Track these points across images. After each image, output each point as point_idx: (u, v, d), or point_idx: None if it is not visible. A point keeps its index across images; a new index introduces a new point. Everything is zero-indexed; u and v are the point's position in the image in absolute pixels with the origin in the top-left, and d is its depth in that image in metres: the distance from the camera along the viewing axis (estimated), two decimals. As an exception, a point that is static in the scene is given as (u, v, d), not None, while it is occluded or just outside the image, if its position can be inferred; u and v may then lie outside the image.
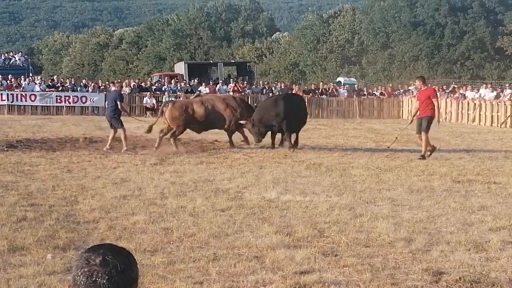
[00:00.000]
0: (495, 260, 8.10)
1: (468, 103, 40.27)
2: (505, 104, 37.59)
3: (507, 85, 43.60)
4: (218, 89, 44.66)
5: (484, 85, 43.28)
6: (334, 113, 43.79)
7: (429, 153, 19.02)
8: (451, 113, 41.21)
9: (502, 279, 7.34)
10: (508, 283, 7.20)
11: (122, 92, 23.30)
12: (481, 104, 39.20)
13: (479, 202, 12.11)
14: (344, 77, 60.05)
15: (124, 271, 2.43)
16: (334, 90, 46.10)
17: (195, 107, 20.74)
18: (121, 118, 20.50)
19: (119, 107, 20.37)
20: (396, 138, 21.52)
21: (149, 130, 21.00)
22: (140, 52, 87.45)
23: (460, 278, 7.27)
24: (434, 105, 19.28)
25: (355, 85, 52.28)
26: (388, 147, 21.06)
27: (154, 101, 42.01)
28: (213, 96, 24.06)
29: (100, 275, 2.40)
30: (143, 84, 45.73)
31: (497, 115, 37.92)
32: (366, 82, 63.26)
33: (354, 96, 45.38)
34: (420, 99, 19.60)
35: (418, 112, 19.60)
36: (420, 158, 18.54)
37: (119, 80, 46.75)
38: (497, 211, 11.23)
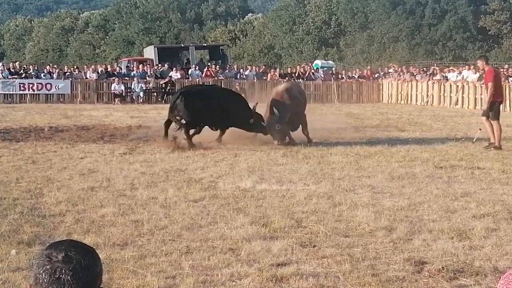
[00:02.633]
0: (479, 248, 8.16)
1: (451, 85, 40.46)
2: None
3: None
4: (190, 74, 44.57)
5: (467, 67, 43.48)
6: (311, 97, 43.80)
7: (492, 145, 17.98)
8: (432, 96, 41.40)
9: (487, 268, 7.38)
10: (493, 272, 7.24)
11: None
12: (463, 86, 39.40)
13: (462, 188, 12.18)
14: (322, 60, 60.07)
15: (88, 267, 2.42)
16: (311, 73, 46.15)
17: None
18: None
19: None
20: (480, 130, 19.38)
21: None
22: (108, 36, 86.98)
23: (443, 267, 7.31)
24: (493, 89, 18.25)
25: (333, 68, 52.35)
26: (473, 141, 19.15)
27: (122, 87, 41.84)
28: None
29: (63, 271, 2.38)
30: (111, 69, 45.49)
31: (481, 98, 38.08)
32: (344, 65, 63.28)
33: (332, 80, 45.47)
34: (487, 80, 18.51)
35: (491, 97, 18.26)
36: (493, 148, 17.75)
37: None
38: (481, 197, 11.31)
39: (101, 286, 2.49)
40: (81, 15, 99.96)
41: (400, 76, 45.48)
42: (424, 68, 46.98)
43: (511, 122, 27.38)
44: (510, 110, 35.99)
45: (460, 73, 42.12)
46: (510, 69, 40.51)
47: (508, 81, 37.75)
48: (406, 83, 43.83)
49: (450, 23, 64.65)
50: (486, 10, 64.58)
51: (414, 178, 13.29)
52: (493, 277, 7.04)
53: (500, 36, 64.86)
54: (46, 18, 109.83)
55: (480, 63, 19.44)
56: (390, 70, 48.20)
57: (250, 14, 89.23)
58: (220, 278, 7.00)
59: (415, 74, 45.01)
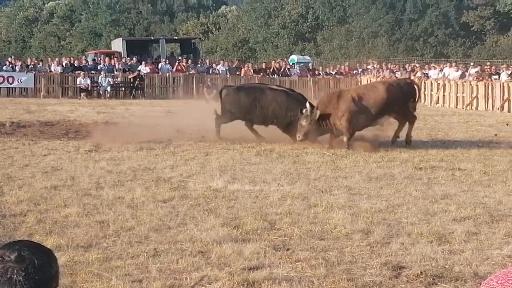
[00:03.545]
0: (459, 252, 8.21)
1: (432, 83, 40.69)
2: (470, 84, 38.05)
3: (471, 63, 44.16)
4: (160, 68, 44.45)
5: (448, 64, 43.75)
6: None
7: None
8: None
9: (467, 273, 7.43)
10: (473, 277, 7.29)
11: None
12: (445, 84, 39.62)
13: (443, 190, 12.25)
14: (298, 55, 60.15)
15: (41, 267, 2.41)
16: (286, 69, 46.20)
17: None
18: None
19: None
20: (507, 124, 20.66)
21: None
22: (74, 28, 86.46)
23: (421, 272, 7.35)
24: None
25: (310, 64, 52.44)
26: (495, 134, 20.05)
27: (88, 82, 41.63)
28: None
29: (15, 271, 2.37)
30: (76, 62, 45.25)
31: (462, 96, 38.37)
32: (321, 61, 63.46)
33: (309, 76, 45.54)
34: None
35: None
36: None
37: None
38: (461, 200, 11.38)
39: None
40: (45, 5, 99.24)
41: (379, 73, 45.66)
42: (406, 65, 47.22)
43: (493, 122, 27.58)
44: (493, 109, 36.24)
45: (441, 70, 42.38)
46: (493, 67, 40.80)
47: (491, 79, 38.02)
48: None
49: (432, 18, 65.05)
50: (469, 5, 65.08)
51: (393, 179, 13.34)
52: (473, 283, 7.09)
53: (483, 32, 65.37)
54: (8, 7, 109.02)
55: None
56: (369, 67, 48.39)
57: (223, 7, 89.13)
58: (189, 282, 6.98)
59: (394, 71, 45.21)
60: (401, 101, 18.85)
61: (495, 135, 20.95)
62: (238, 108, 19.66)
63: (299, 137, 18.19)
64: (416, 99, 19.60)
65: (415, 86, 19.97)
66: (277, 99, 19.33)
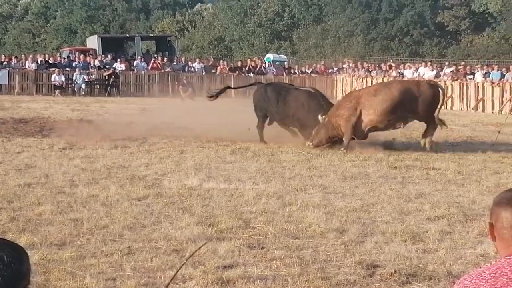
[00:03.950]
0: (432, 252, 8.25)
1: (407, 82, 40.76)
2: (445, 84, 38.23)
3: (446, 63, 44.38)
4: (136, 66, 44.31)
5: (424, 63, 43.93)
6: (262, 93, 43.80)
7: None
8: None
9: (440, 272, 7.47)
10: (447, 276, 7.33)
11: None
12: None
13: (417, 189, 12.31)
14: (274, 53, 60.17)
15: (11, 264, 2.40)
16: (262, 67, 46.21)
17: None
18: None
19: None
20: (499, 132, 20.10)
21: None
22: (48, 25, 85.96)
23: (395, 271, 7.38)
24: None
25: (285, 62, 52.47)
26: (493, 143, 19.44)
27: (63, 79, 41.43)
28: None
29: None
30: (51, 59, 45.00)
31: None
32: (297, 59, 63.48)
33: (284, 75, 45.56)
34: None
35: None
36: None
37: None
38: (435, 199, 11.44)
39: (28, 286, 2.47)
40: (20, 2, 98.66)
41: (355, 72, 45.78)
42: (381, 64, 47.35)
43: (468, 122, 27.75)
44: (467, 109, 36.46)
45: (416, 70, 42.52)
46: (468, 66, 41.02)
47: (466, 79, 38.24)
48: (361, 79, 44.11)
49: (407, 18, 65.26)
50: (444, 5, 65.32)
51: (368, 178, 13.39)
52: (447, 282, 7.13)
53: (458, 32, 65.64)
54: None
55: None
56: (344, 66, 48.47)
57: (198, 4, 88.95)
58: (163, 281, 6.97)
59: (370, 70, 45.34)
60: (421, 104, 17.67)
61: (499, 131, 20.49)
62: (264, 102, 19.66)
63: (310, 144, 17.55)
64: (439, 105, 18.34)
65: (440, 89, 18.63)
66: (300, 98, 18.97)
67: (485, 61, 47.61)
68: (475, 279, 2.89)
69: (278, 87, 20.15)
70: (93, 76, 42.68)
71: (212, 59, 50.30)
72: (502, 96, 35.31)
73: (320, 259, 7.85)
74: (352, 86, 44.09)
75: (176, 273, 6.80)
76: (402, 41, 65.69)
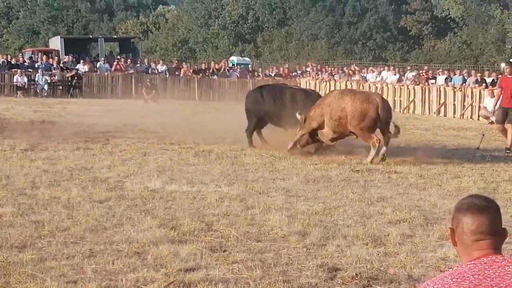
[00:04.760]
0: (393, 255, 8.29)
1: (370, 86, 41.05)
2: (408, 88, 38.53)
3: (409, 67, 44.72)
4: (99, 67, 44.11)
5: (386, 67, 44.24)
6: (226, 95, 43.86)
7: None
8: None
9: (401, 275, 7.51)
10: (407, 279, 7.37)
11: None
12: (383, 87, 40.03)
13: (379, 193, 12.37)
14: (238, 56, 60.21)
15: None
16: (226, 70, 46.24)
17: None
18: None
19: None
20: (483, 135, 20.50)
21: None
22: (11, 25, 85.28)
23: (356, 274, 7.41)
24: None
25: (249, 65, 52.54)
26: (478, 148, 19.43)
27: (25, 80, 41.13)
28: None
29: None
30: (13, 60, 44.65)
31: (400, 100, 38.85)
32: (261, 62, 63.60)
33: (248, 77, 45.62)
34: (506, 87, 19.11)
35: (500, 102, 19.28)
36: (507, 152, 18.59)
37: None
38: (397, 202, 11.50)
39: None
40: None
41: (318, 75, 45.96)
42: (344, 68, 47.59)
43: (430, 126, 27.96)
44: (429, 113, 36.75)
45: (379, 73, 42.82)
46: (430, 71, 41.36)
47: (428, 83, 38.54)
48: (325, 82, 44.30)
49: (371, 22, 65.64)
50: (407, 10, 65.79)
51: (330, 181, 13.43)
52: (407, 285, 7.17)
53: (420, 37, 66.14)
54: None
55: (508, 68, 19.66)
56: (308, 69, 48.67)
57: (161, 6, 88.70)
58: (125, 283, 6.95)
59: (333, 73, 45.55)
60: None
61: (483, 135, 20.67)
62: (259, 105, 19.21)
63: (291, 145, 17.18)
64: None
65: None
66: (295, 97, 18.77)
67: (447, 66, 48.08)
68: (438, 285, 2.92)
69: (273, 88, 19.93)
70: (56, 77, 42.43)
71: (176, 61, 50.21)
72: (464, 101, 35.62)
73: (282, 262, 7.87)
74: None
75: None
76: (365, 45, 66.06)
